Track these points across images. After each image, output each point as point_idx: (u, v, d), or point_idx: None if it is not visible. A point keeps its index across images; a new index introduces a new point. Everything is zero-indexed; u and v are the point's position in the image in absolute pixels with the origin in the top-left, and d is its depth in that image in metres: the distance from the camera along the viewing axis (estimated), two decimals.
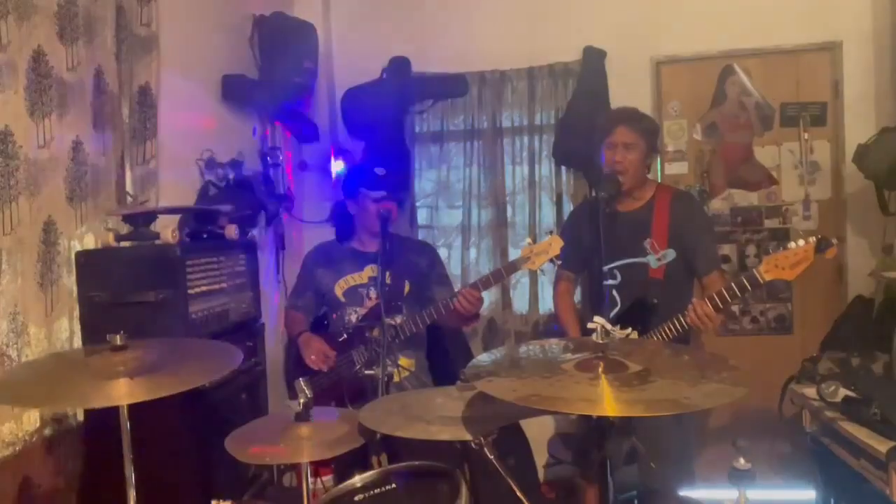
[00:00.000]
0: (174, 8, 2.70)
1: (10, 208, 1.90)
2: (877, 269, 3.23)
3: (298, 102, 3.55)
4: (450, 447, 1.71)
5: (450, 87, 3.78)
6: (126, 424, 1.54)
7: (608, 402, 1.37)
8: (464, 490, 1.58)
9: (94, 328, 2.04)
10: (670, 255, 2.57)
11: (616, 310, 2.60)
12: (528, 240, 2.47)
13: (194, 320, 2.11)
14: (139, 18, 2.49)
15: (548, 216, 3.77)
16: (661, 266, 2.57)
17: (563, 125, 3.65)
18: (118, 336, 1.54)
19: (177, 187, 2.76)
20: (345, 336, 2.75)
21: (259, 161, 3.49)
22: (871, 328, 3.05)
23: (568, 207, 3.68)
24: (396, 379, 2.68)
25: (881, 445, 2.11)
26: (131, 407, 1.51)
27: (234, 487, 2.22)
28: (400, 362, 2.73)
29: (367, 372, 2.59)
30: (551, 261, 2.41)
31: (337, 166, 3.88)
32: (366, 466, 1.97)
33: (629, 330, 2.50)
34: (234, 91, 3.19)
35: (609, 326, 1.57)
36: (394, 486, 1.71)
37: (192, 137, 2.96)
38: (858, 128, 3.35)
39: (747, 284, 2.27)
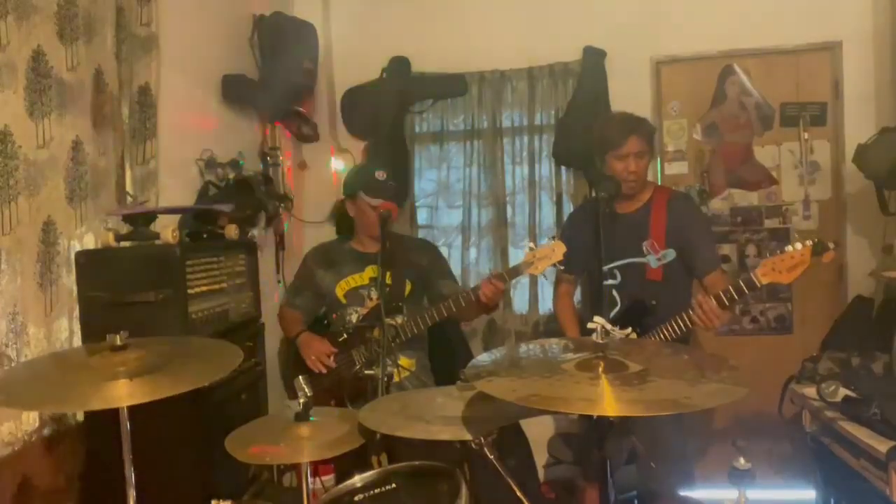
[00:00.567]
0: (174, 8, 2.70)
1: (10, 208, 1.90)
2: (877, 269, 3.23)
3: (298, 102, 3.55)
4: (450, 447, 1.71)
5: (449, 87, 3.78)
6: (126, 425, 1.54)
7: (608, 401, 1.37)
8: (464, 490, 1.58)
9: (94, 328, 2.04)
10: (670, 255, 2.57)
11: (616, 310, 2.60)
12: (531, 244, 2.48)
13: (194, 320, 2.11)
14: (139, 18, 2.49)
15: (548, 216, 3.77)
16: (660, 266, 2.57)
17: (563, 125, 3.65)
18: (118, 336, 1.54)
19: (177, 187, 2.76)
20: (345, 336, 2.75)
21: (259, 161, 3.49)
22: (871, 328, 3.05)
23: (568, 207, 3.68)
24: (396, 379, 2.68)
25: (881, 445, 2.11)
26: (131, 407, 1.51)
27: (234, 487, 2.22)
28: (400, 362, 2.73)
29: (366, 372, 2.59)
30: (554, 266, 2.41)
31: (337, 166, 3.89)
32: (366, 466, 1.96)
33: (629, 330, 2.50)
34: (234, 91, 3.19)
35: (609, 326, 1.57)
36: (394, 486, 1.71)
37: (192, 137, 2.96)
38: (858, 128, 3.35)
39: (744, 288, 2.27)
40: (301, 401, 1.81)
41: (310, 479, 1.81)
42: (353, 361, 2.71)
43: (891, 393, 2.29)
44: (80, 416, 2.11)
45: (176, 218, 2.53)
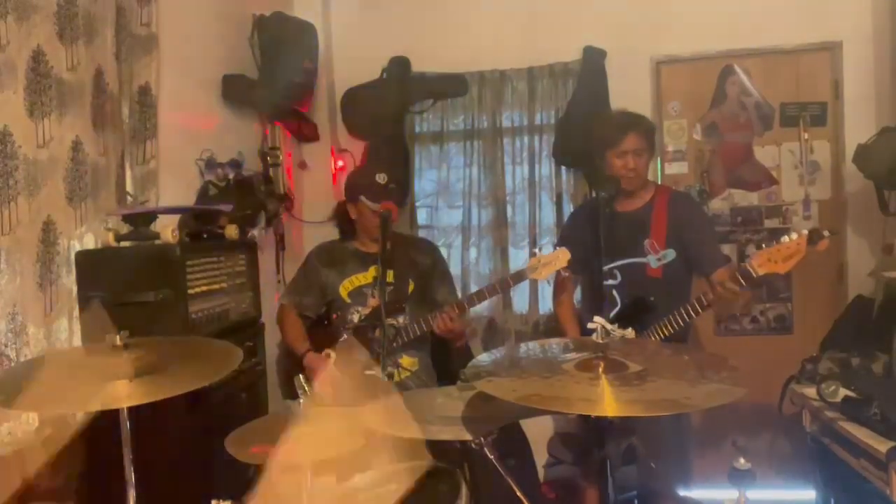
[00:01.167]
0: (174, 8, 2.69)
1: (9, 208, 1.90)
2: (877, 269, 3.23)
3: (298, 102, 3.55)
4: (450, 447, 1.71)
5: (450, 86, 3.78)
6: (126, 425, 1.54)
7: (608, 402, 1.37)
8: (464, 490, 1.58)
9: (94, 328, 2.04)
10: (670, 255, 2.57)
11: (616, 309, 2.60)
12: (536, 250, 2.50)
13: (194, 320, 2.12)
14: (139, 18, 2.49)
15: (548, 216, 3.77)
16: (660, 266, 2.57)
17: (563, 125, 3.65)
18: (118, 336, 1.53)
19: (177, 187, 2.76)
20: (345, 336, 2.75)
21: (259, 161, 3.49)
22: (871, 328, 3.04)
23: (568, 207, 3.68)
24: (397, 378, 2.69)
25: (881, 445, 2.11)
26: (131, 407, 1.51)
27: (234, 487, 2.22)
28: (402, 362, 2.74)
29: (367, 372, 2.59)
30: (558, 273, 2.42)
31: (337, 166, 3.88)
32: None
33: (629, 329, 2.50)
34: (234, 91, 3.19)
35: (609, 326, 1.58)
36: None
37: (192, 137, 2.96)
38: (858, 128, 3.35)
39: (741, 279, 2.27)
40: (301, 401, 1.81)
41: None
42: None
43: (891, 393, 2.29)
44: (80, 416, 2.11)
45: (176, 218, 2.52)
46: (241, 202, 2.96)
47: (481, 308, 3.75)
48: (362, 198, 2.71)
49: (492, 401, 1.50)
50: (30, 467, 1.94)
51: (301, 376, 1.83)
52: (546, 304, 3.73)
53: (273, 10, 3.43)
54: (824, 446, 2.53)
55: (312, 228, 3.74)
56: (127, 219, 2.23)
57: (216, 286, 2.28)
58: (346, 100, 3.86)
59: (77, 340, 2.12)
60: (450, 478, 1.65)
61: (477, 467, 1.72)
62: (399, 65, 3.79)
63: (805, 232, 2.21)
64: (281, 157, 3.60)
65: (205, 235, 2.42)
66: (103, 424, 1.53)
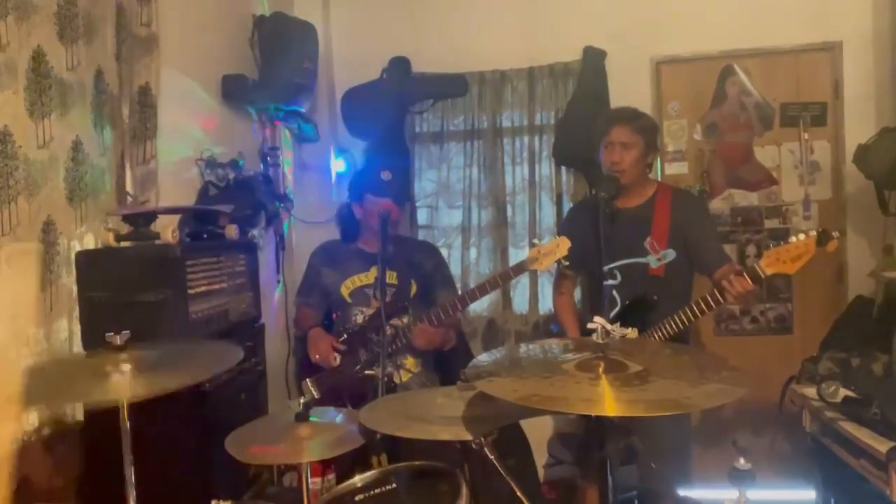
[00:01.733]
0: (174, 8, 2.70)
1: (10, 208, 1.90)
2: (877, 269, 3.23)
3: (298, 102, 3.55)
4: (450, 447, 1.71)
5: (450, 87, 3.78)
6: (126, 424, 1.53)
7: (608, 402, 1.36)
8: (464, 490, 1.58)
9: (94, 328, 2.04)
10: (670, 255, 2.56)
11: (616, 309, 2.60)
12: (535, 240, 2.49)
13: (194, 320, 2.11)
14: (139, 18, 2.49)
15: (548, 216, 3.77)
16: (661, 266, 2.57)
17: (562, 125, 3.65)
18: (118, 336, 1.53)
19: (177, 187, 2.76)
20: (345, 336, 2.75)
21: (259, 161, 3.49)
22: (871, 328, 3.04)
23: (568, 207, 3.68)
24: (399, 380, 2.69)
25: (881, 445, 2.10)
26: (131, 407, 1.51)
27: (234, 487, 2.22)
28: (406, 363, 2.74)
29: (367, 372, 2.59)
30: (558, 262, 2.42)
31: (337, 166, 3.89)
32: (366, 466, 1.96)
33: (629, 329, 2.50)
34: (234, 91, 3.19)
35: (609, 326, 1.57)
36: (394, 486, 1.71)
37: (192, 137, 2.96)
38: (858, 128, 3.35)
39: (749, 279, 2.27)
40: (301, 400, 1.81)
41: (310, 479, 1.81)
42: (357, 361, 2.71)
43: (891, 393, 2.29)
44: (80, 416, 2.11)
45: (176, 218, 2.52)
46: (241, 202, 2.96)
47: (481, 308, 3.76)
48: (368, 195, 2.72)
49: (492, 401, 1.50)
50: (30, 467, 1.94)
51: (309, 381, 1.83)
52: (546, 304, 3.73)
53: (273, 10, 3.44)
54: (824, 446, 2.52)
55: (312, 228, 3.74)
56: (127, 219, 2.23)
57: (216, 286, 2.28)
58: (346, 100, 3.85)
59: (77, 340, 2.12)
60: (450, 478, 1.64)
61: (477, 467, 1.71)
62: (399, 65, 3.78)
63: (814, 233, 2.20)
64: (281, 157, 3.60)
65: (205, 235, 2.42)
66: (103, 424, 1.53)
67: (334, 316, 2.86)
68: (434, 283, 2.86)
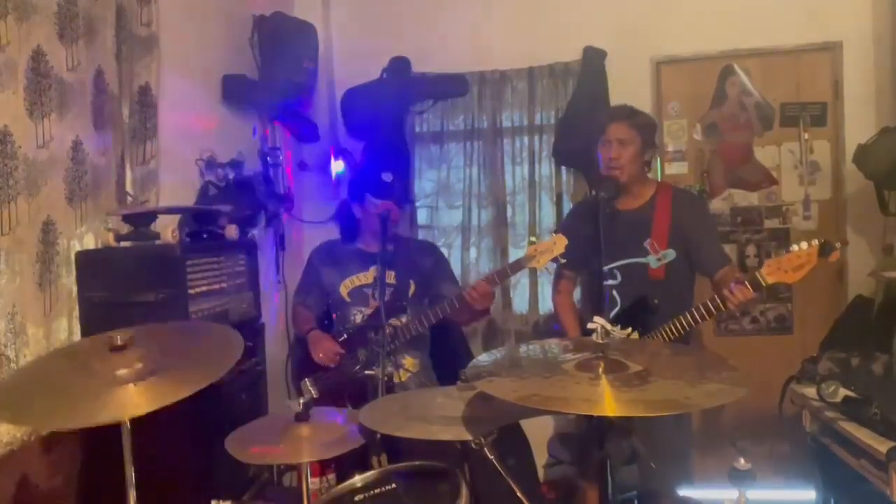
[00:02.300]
0: (174, 8, 2.70)
1: (9, 208, 1.90)
2: (877, 269, 3.22)
3: (298, 102, 3.55)
4: (450, 447, 1.71)
5: (450, 87, 3.78)
6: (126, 425, 1.53)
7: (608, 402, 1.37)
8: (464, 490, 1.58)
9: (94, 328, 2.04)
10: (670, 255, 2.56)
11: (616, 310, 2.60)
12: (532, 238, 2.48)
13: (194, 320, 2.11)
14: (139, 18, 2.49)
15: (548, 216, 3.77)
16: (661, 266, 2.56)
17: (562, 125, 3.65)
18: (118, 336, 1.53)
19: (177, 187, 2.76)
20: (345, 336, 2.75)
21: (259, 161, 3.49)
22: (871, 328, 3.04)
23: (568, 207, 3.67)
24: (398, 379, 2.68)
25: (881, 445, 2.11)
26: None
27: (234, 487, 2.22)
28: (404, 362, 2.74)
29: (367, 372, 2.59)
30: (555, 259, 2.42)
31: (337, 166, 3.89)
32: (366, 466, 1.96)
33: (629, 330, 2.50)
34: (234, 91, 3.19)
35: (609, 326, 1.57)
36: (394, 486, 1.71)
37: (192, 137, 2.96)
38: (858, 128, 3.35)
39: (750, 287, 2.27)
40: (301, 400, 1.81)
41: (310, 479, 1.81)
42: (356, 361, 2.71)
43: (891, 393, 2.29)
44: None
45: (176, 218, 2.53)
46: (241, 202, 2.97)
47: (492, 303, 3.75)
48: (368, 196, 2.72)
49: (492, 401, 1.50)
50: (29, 467, 1.94)
51: (308, 380, 1.83)
52: (546, 304, 3.73)
53: (273, 10, 3.43)
54: (824, 446, 2.53)
55: (312, 228, 3.74)
56: (127, 219, 2.23)
57: (216, 286, 2.28)
58: (346, 100, 3.85)
59: (77, 341, 2.12)
60: (450, 478, 1.64)
61: (477, 467, 1.71)
62: (399, 65, 3.78)
63: (816, 242, 2.20)
64: (281, 157, 3.60)
65: (205, 235, 2.42)
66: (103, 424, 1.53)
67: (333, 316, 2.86)
68: (436, 281, 2.86)
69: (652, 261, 2.57)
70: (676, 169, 3.72)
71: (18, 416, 1.47)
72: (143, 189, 2.52)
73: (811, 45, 3.53)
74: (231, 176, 3.07)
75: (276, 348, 3.20)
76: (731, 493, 1.49)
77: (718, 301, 2.34)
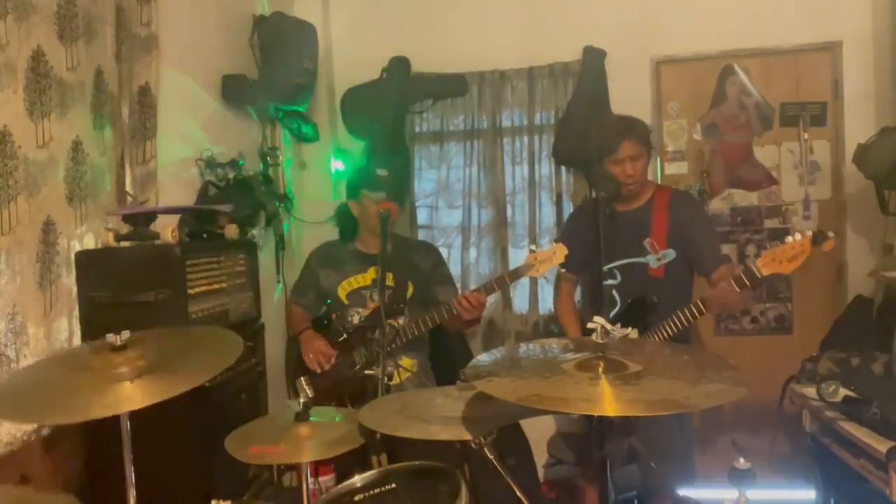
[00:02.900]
0: (174, 8, 2.69)
1: (9, 208, 1.90)
2: (877, 269, 3.23)
3: (298, 102, 3.55)
4: (450, 447, 1.71)
5: (450, 86, 3.78)
6: (126, 425, 1.53)
7: (608, 401, 1.37)
8: (464, 490, 1.57)
9: (94, 328, 2.04)
10: (670, 255, 2.57)
11: (616, 309, 2.60)
12: (533, 246, 2.49)
13: (194, 320, 2.11)
14: (139, 18, 2.49)
15: (548, 216, 3.77)
16: (661, 266, 2.57)
17: (562, 125, 3.65)
18: (118, 336, 1.53)
19: (177, 187, 2.76)
20: (344, 336, 2.75)
21: (259, 161, 3.49)
22: (871, 328, 3.04)
23: (568, 207, 3.68)
24: (397, 380, 2.68)
25: (881, 445, 2.11)
26: None
27: (234, 487, 2.22)
28: (402, 363, 2.73)
29: (366, 372, 2.59)
30: (559, 270, 2.42)
31: (336, 166, 3.89)
32: (366, 466, 1.96)
33: (629, 329, 2.50)
34: (233, 91, 3.19)
35: (609, 326, 1.57)
36: (394, 486, 1.71)
37: (192, 137, 2.96)
38: (858, 128, 3.35)
39: (745, 279, 2.27)
40: (301, 400, 1.81)
41: (310, 479, 1.81)
42: (354, 362, 2.71)
43: (891, 393, 2.29)
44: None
45: (176, 218, 2.53)
46: (241, 202, 2.96)
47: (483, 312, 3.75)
48: (364, 191, 2.72)
49: (492, 401, 1.50)
50: (29, 467, 1.94)
51: (303, 379, 1.83)
52: (546, 304, 3.73)
53: (273, 10, 3.43)
54: (824, 446, 2.53)
55: (312, 228, 3.74)
56: (127, 219, 2.23)
57: (216, 286, 2.28)
58: (346, 100, 3.85)
59: (77, 341, 2.12)
60: (450, 478, 1.64)
61: (477, 467, 1.71)
62: (399, 65, 3.79)
63: (809, 232, 2.21)
64: (281, 157, 3.60)
65: (205, 235, 2.42)
66: (103, 424, 1.53)
67: (334, 316, 2.86)
68: (433, 282, 2.86)
69: (652, 260, 2.58)
70: (676, 169, 3.72)
71: (17, 413, 1.47)
72: (142, 189, 2.52)
73: (811, 44, 3.53)
74: (231, 176, 3.07)
75: (276, 348, 3.20)
76: (731, 493, 1.49)
77: (688, 313, 2.39)
